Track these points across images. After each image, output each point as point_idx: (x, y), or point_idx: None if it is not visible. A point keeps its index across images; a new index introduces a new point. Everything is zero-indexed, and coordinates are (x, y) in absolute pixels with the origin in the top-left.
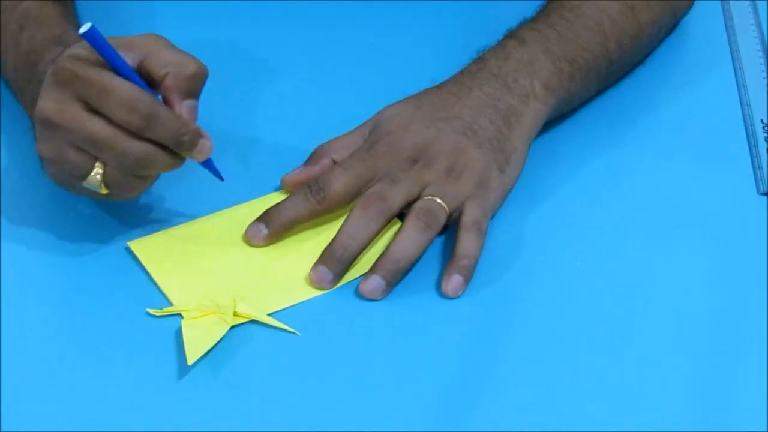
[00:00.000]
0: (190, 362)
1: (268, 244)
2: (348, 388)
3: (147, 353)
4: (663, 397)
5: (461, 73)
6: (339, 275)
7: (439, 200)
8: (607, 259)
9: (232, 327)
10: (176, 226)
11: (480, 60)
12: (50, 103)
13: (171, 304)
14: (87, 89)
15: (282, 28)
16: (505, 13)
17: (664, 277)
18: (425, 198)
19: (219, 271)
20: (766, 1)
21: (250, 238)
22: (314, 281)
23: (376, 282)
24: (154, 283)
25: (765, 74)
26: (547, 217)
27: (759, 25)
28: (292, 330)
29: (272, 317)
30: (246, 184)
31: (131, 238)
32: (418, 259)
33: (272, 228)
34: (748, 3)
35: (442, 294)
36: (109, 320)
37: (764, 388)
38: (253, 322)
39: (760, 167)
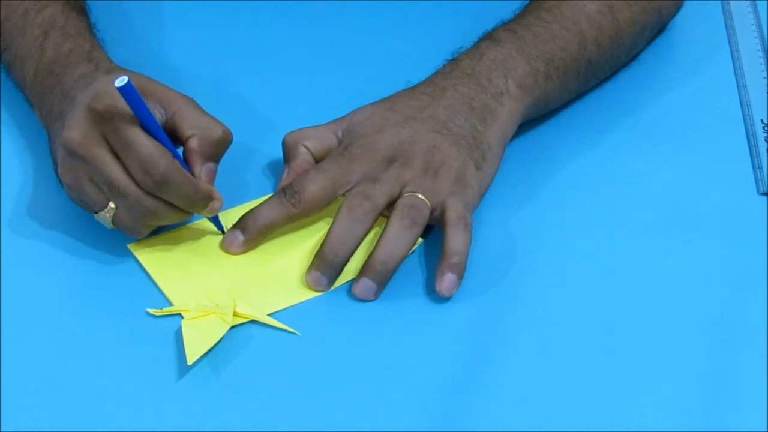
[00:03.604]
0: (190, 362)
1: (245, 251)
2: (347, 388)
3: (147, 353)
4: (663, 397)
5: (435, 74)
6: (333, 278)
7: (420, 196)
8: (606, 260)
9: (232, 327)
10: (176, 228)
11: (453, 61)
12: (79, 135)
13: (171, 304)
14: (114, 137)
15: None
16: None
17: (664, 277)
18: (406, 195)
19: (219, 271)
20: (766, 1)
21: (227, 246)
22: (311, 285)
23: (366, 285)
24: (154, 284)
25: (765, 74)
26: (546, 217)
27: (759, 25)
28: (291, 330)
29: (272, 317)
30: (245, 186)
31: (131, 240)
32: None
33: (248, 234)
34: (748, 3)
35: (436, 293)
36: (109, 320)
37: (764, 388)
38: (253, 322)
39: (760, 167)
